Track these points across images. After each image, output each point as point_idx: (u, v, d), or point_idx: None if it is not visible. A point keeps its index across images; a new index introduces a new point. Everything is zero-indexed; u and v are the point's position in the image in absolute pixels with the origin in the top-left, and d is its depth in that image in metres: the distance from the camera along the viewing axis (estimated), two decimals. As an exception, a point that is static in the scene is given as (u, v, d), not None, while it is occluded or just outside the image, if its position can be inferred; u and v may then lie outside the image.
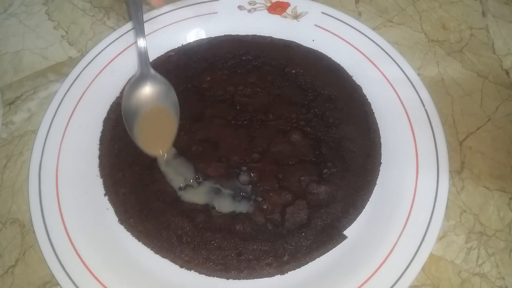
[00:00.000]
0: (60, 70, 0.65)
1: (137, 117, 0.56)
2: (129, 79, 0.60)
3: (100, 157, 0.56)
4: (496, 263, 0.50)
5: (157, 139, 0.55)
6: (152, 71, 0.59)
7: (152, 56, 0.63)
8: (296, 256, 0.49)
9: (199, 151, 0.54)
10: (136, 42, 0.60)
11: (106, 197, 0.54)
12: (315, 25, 0.64)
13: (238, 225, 0.50)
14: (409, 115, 0.56)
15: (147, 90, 0.58)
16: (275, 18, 0.65)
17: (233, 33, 0.64)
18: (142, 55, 0.59)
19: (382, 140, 0.56)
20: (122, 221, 0.52)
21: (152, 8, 0.65)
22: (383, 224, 0.50)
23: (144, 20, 0.64)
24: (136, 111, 0.56)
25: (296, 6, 0.65)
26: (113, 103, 0.60)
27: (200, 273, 0.49)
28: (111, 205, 0.53)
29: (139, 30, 0.59)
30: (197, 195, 0.52)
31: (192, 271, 0.49)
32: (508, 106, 0.60)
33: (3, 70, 0.65)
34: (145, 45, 0.59)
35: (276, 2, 0.66)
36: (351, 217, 0.51)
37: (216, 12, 0.65)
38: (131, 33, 0.63)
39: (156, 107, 0.57)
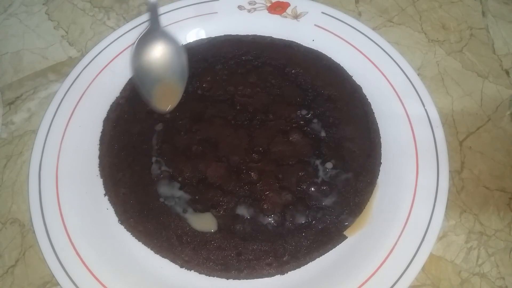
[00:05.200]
0: (60, 70, 0.65)
1: (147, 73, 0.56)
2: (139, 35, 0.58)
3: (100, 157, 0.56)
4: (496, 263, 0.50)
5: (165, 96, 0.56)
6: (161, 27, 0.58)
7: (152, 56, 0.63)
8: (296, 256, 0.49)
9: (199, 151, 0.54)
10: None
11: (106, 197, 0.54)
12: (315, 25, 0.64)
13: (238, 225, 0.50)
14: (409, 115, 0.56)
15: (157, 47, 0.57)
16: (275, 18, 0.65)
17: (233, 33, 0.64)
18: (152, 11, 0.58)
19: (382, 140, 0.56)
20: (122, 221, 0.52)
21: None
22: (383, 224, 0.51)
23: (144, 21, 0.64)
24: (146, 68, 0.57)
25: (296, 6, 0.65)
26: (113, 103, 0.60)
27: (200, 273, 0.49)
28: (111, 205, 0.53)
29: None
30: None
31: (192, 271, 0.49)
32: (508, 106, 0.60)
33: (3, 70, 0.65)
34: (156, 1, 0.58)
35: (276, 2, 0.66)
36: (351, 217, 0.51)
37: (216, 12, 0.65)
38: (131, 33, 0.63)
39: (165, 65, 0.57)
